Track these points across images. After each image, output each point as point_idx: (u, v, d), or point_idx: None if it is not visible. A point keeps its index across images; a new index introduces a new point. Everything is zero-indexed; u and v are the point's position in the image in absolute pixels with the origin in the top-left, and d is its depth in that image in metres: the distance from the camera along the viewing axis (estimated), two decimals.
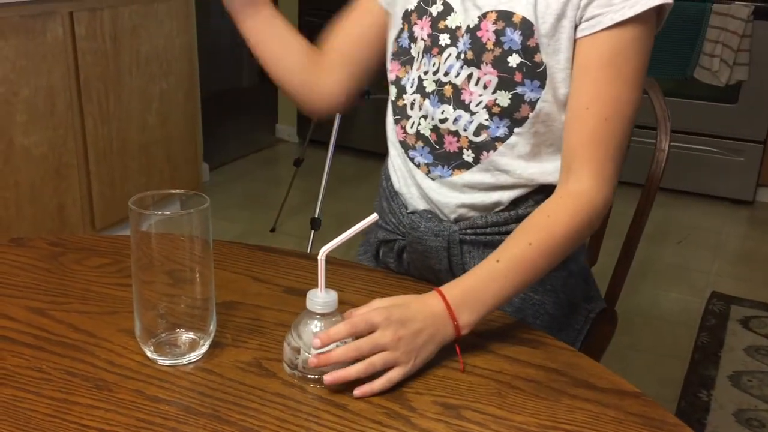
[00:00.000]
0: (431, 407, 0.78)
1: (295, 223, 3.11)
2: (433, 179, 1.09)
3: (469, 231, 1.09)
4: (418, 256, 1.14)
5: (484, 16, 1.00)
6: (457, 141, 1.06)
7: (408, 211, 1.14)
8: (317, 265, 0.81)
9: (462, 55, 1.02)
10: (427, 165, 1.09)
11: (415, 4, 1.07)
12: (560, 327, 1.13)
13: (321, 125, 2.94)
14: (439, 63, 1.05)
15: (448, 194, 1.08)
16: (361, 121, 3.86)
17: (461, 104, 1.04)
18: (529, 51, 0.98)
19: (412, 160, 1.11)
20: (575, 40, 0.97)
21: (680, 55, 3.27)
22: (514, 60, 0.99)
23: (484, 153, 1.05)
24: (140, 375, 0.82)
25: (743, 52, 3.25)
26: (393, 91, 1.13)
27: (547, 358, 0.88)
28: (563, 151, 1.01)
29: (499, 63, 1.00)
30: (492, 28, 1.00)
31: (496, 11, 1.00)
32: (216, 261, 0.86)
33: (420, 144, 1.09)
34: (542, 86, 1.00)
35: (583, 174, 0.97)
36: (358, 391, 0.80)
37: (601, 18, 0.94)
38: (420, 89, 1.08)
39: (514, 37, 0.98)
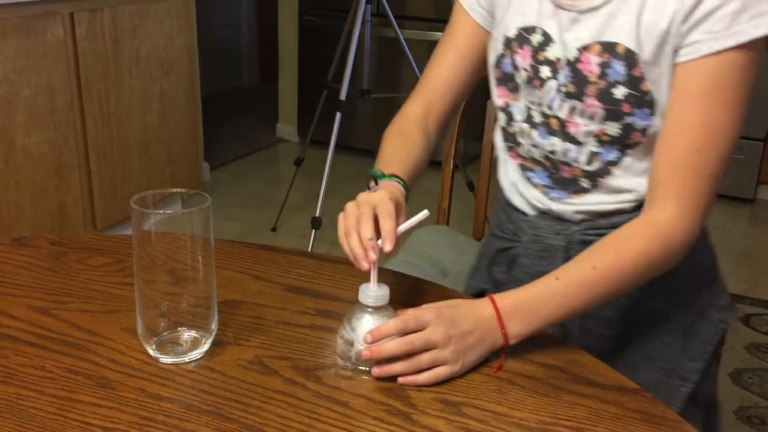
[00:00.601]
0: (432, 404, 0.79)
1: (295, 223, 3.11)
2: (551, 200, 1.07)
3: (590, 231, 1.06)
4: (533, 258, 1.10)
5: (585, 48, 0.97)
6: (571, 169, 1.04)
7: (527, 216, 1.11)
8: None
9: (562, 89, 1.00)
10: (545, 186, 1.08)
11: (516, 32, 1.04)
12: (682, 339, 1.08)
13: (322, 125, 2.95)
14: (542, 95, 1.02)
15: (569, 208, 1.06)
16: (361, 120, 3.86)
17: (568, 137, 1.01)
18: (634, 81, 0.95)
19: (529, 180, 1.09)
20: (674, 65, 0.94)
21: None
22: (619, 92, 0.95)
23: (599, 179, 1.02)
24: (142, 373, 0.82)
25: None
26: (502, 117, 1.10)
27: (547, 354, 0.89)
28: (650, 176, 0.97)
29: (604, 96, 0.96)
30: (596, 60, 0.96)
31: (600, 43, 0.96)
32: (217, 260, 0.86)
33: (538, 168, 1.08)
34: (653, 113, 0.96)
35: (666, 202, 0.94)
36: (402, 380, 0.82)
37: (701, 45, 0.90)
38: (528, 119, 1.05)
39: (618, 68, 0.95)
